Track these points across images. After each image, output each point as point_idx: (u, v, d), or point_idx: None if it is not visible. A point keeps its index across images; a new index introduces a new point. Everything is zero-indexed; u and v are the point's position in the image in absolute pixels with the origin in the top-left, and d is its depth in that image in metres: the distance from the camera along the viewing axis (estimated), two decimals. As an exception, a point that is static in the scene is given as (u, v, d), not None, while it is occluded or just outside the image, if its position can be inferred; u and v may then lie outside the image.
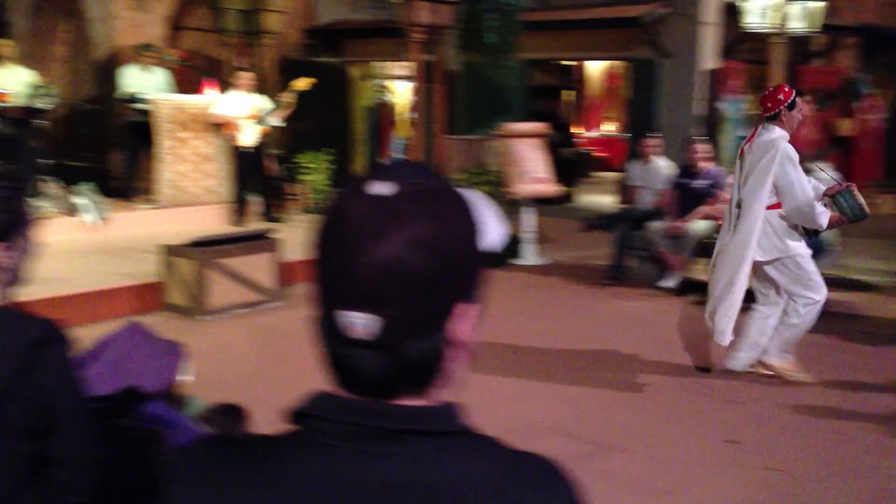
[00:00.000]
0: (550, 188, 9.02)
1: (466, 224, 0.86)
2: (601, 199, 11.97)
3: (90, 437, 1.68)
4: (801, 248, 4.93)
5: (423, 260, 0.80)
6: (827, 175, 8.61)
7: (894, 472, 3.93)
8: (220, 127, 8.96)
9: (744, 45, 11.49)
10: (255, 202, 9.23)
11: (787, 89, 4.96)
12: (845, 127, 12.07)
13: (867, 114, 12.30)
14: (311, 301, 0.88)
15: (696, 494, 3.77)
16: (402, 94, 14.98)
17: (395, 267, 0.80)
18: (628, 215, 7.91)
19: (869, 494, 3.77)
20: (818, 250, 6.70)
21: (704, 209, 7.43)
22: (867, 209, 4.93)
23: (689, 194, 7.55)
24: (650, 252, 7.74)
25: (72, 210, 8.12)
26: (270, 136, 9.32)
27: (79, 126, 10.25)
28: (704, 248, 7.28)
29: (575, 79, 16.57)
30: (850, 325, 6.34)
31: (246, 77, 9.02)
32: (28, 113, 8.19)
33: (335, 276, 0.82)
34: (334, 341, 0.84)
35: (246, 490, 0.84)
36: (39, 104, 8.21)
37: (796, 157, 4.81)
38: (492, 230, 0.90)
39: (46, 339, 1.59)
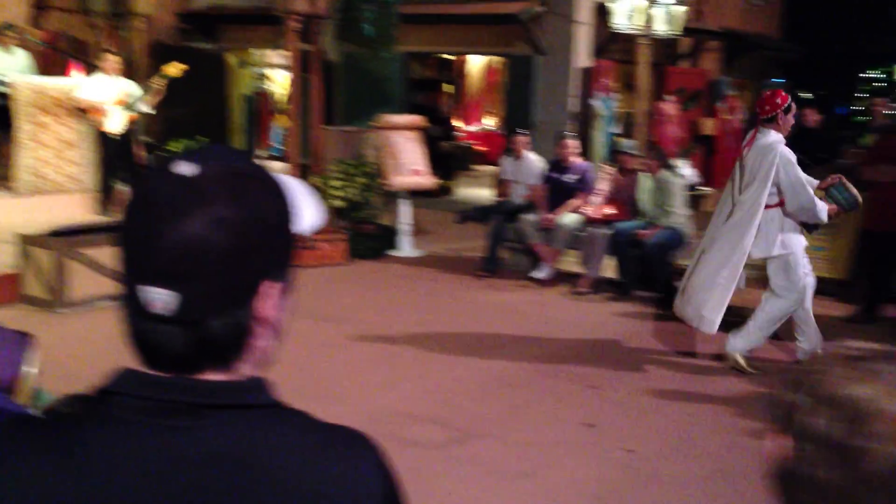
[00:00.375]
0: (427, 180, 9.10)
1: (272, 205, 0.88)
2: (480, 193, 12.15)
3: None
4: (799, 247, 5.15)
5: (224, 238, 0.82)
6: (685, 172, 9.04)
7: (736, 448, 4.19)
8: (85, 112, 8.59)
9: (615, 45, 11.89)
10: (121, 191, 8.90)
11: (783, 94, 5.16)
12: (708, 126, 12.68)
13: (728, 114, 12.96)
14: (117, 278, 0.88)
15: (554, 476, 3.91)
16: (281, 83, 14.75)
17: (194, 244, 0.81)
18: (502, 208, 8.09)
19: (713, 470, 4.01)
20: (677, 242, 7.06)
21: (574, 203, 7.68)
22: (860, 198, 5.17)
23: (559, 188, 7.78)
24: (523, 244, 7.94)
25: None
26: (139, 123, 9.01)
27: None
28: (575, 240, 7.55)
29: (455, 73, 16.73)
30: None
31: (113, 60, 8.67)
32: None
33: (137, 252, 0.83)
34: (136, 317, 0.85)
35: (43, 470, 0.82)
36: None
37: (794, 157, 5.04)
38: (307, 213, 0.93)
39: None
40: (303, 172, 8.89)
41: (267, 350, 0.92)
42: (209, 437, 0.83)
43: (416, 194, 9.10)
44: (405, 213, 8.83)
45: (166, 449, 0.82)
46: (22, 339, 2.71)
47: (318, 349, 5.54)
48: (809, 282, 5.23)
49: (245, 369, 0.89)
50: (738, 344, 5.31)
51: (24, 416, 1.04)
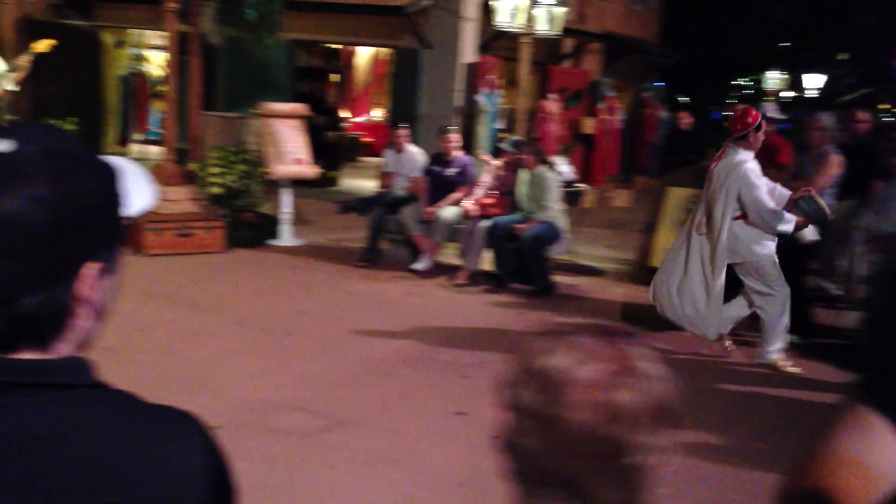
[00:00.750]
0: (309, 170, 9.02)
1: (95, 186, 0.88)
2: (366, 184, 12.14)
3: None
4: (764, 253, 5.40)
5: (41, 217, 0.82)
6: (562, 169, 9.29)
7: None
8: (-57, 87, 8.11)
9: (499, 42, 12.11)
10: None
11: (754, 113, 5.38)
12: (589, 125, 13.07)
13: (607, 114, 13.41)
14: None
15: (423, 462, 3.97)
16: (160, 65, 14.28)
17: (9, 222, 0.81)
18: (383, 200, 8.12)
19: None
20: (552, 236, 7.27)
21: (455, 196, 7.79)
22: (827, 210, 5.40)
23: (440, 181, 7.88)
24: (403, 236, 7.99)
25: None
26: (4, 100, 8.56)
27: None
28: (455, 232, 7.66)
29: (343, 63, 16.62)
30: (579, 305, 6.94)
31: (-24, 34, 8.21)
32: None
33: None
34: None
35: None
36: None
37: (759, 171, 5.31)
38: (138, 195, 0.94)
39: None
40: (180, 158, 8.66)
41: (89, 331, 0.92)
42: (17, 415, 0.83)
43: (299, 184, 9.02)
44: (286, 203, 8.73)
45: None
46: None
47: (189, 337, 5.44)
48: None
49: (64, 349, 0.89)
50: (770, 351, 5.58)
51: None
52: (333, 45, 15.66)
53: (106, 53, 12.31)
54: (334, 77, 16.15)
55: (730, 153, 5.44)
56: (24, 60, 8.26)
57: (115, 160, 0.94)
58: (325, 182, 11.01)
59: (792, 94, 26.53)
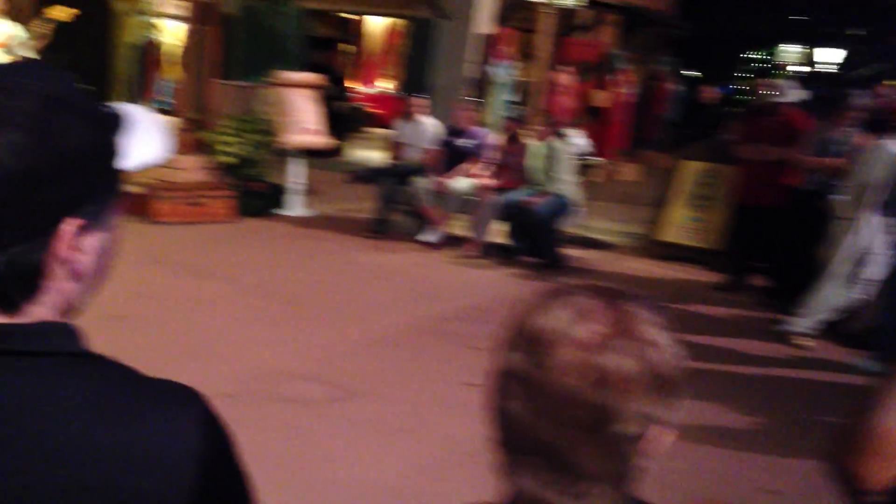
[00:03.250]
0: (321, 140, 9.00)
1: (84, 135, 0.80)
2: (371, 155, 12.10)
3: None
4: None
5: (13, 164, 0.74)
6: (578, 141, 9.24)
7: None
8: (-43, 52, 8.08)
9: (517, 14, 11.99)
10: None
11: None
12: (600, 98, 12.96)
13: (620, 87, 13.28)
14: None
15: (434, 432, 3.99)
16: (171, 33, 14.20)
17: None
18: (394, 170, 8.09)
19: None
20: (564, 209, 7.25)
21: (467, 167, 7.76)
22: None
23: (454, 153, 7.84)
24: (413, 207, 7.98)
25: None
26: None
27: None
28: (466, 204, 7.64)
29: (354, 33, 16.50)
30: (589, 278, 6.92)
31: (-8, 1, 8.17)
32: None
33: None
34: None
35: None
36: None
37: None
38: (143, 147, 0.87)
39: None
40: (194, 127, 8.65)
41: (72, 295, 0.83)
42: None
43: (308, 154, 9.00)
44: (297, 173, 8.72)
45: None
46: None
47: (198, 306, 5.45)
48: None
49: (41, 313, 0.80)
50: (800, 323, 5.58)
51: None
52: (346, 15, 15.54)
53: (118, 22, 12.25)
54: (345, 47, 16.04)
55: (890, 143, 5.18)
56: (43, 28, 8.21)
57: (124, 108, 0.87)
58: (332, 152, 10.97)
59: (807, 68, 26.26)
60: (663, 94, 14.78)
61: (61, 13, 8.31)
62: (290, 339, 5.04)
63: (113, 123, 0.85)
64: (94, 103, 0.84)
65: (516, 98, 12.28)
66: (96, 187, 0.82)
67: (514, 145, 7.66)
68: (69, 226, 0.79)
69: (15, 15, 8.64)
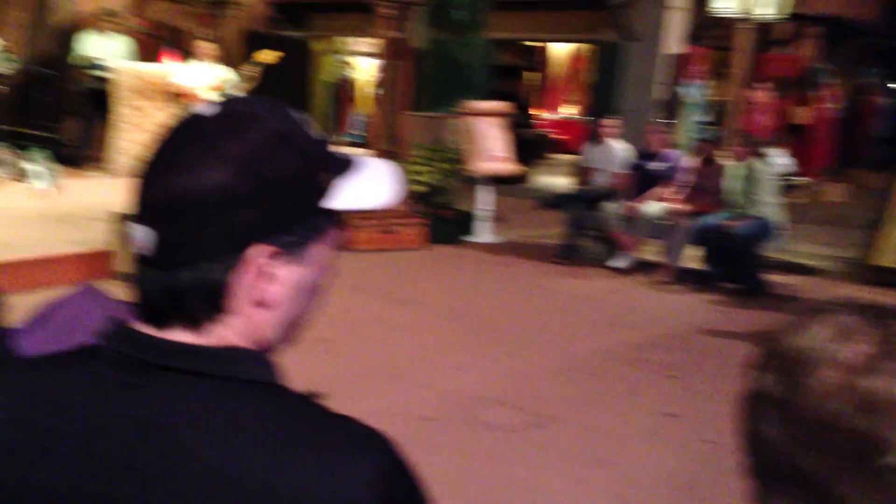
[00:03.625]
0: (508, 167, 9.06)
1: (285, 163, 0.79)
2: (557, 181, 12.05)
3: None
4: None
5: (215, 183, 0.75)
6: (780, 161, 8.77)
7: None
8: (180, 97, 8.86)
9: (709, 31, 11.60)
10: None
11: None
12: (801, 115, 12.24)
13: (824, 103, 12.49)
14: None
15: (631, 465, 3.85)
16: (363, 70, 14.91)
17: (181, 183, 0.76)
18: (582, 195, 7.99)
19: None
20: (766, 232, 6.86)
21: (659, 191, 7.53)
22: None
23: (646, 176, 7.64)
24: (602, 232, 7.83)
25: (22, 176, 7.99)
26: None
27: (34, 91, 10.06)
28: (657, 229, 7.40)
29: (537, 60, 16.60)
30: (794, 306, 6.49)
31: (207, 47, 8.91)
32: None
33: (137, 189, 0.80)
34: (135, 262, 0.81)
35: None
36: (1, 69, 8.09)
37: None
38: (362, 191, 0.84)
39: None
40: (386, 158, 8.98)
41: (260, 324, 0.80)
42: (149, 399, 0.76)
43: (496, 181, 9.08)
44: (485, 200, 8.81)
45: (110, 404, 0.77)
46: (124, 308, 2.81)
47: (395, 331, 5.59)
48: None
49: (227, 337, 0.79)
50: None
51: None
52: (530, 43, 15.68)
53: (314, 61, 13.02)
54: (529, 75, 16.17)
55: None
56: (251, 70, 8.85)
57: (352, 155, 0.86)
58: (517, 179, 11.03)
59: None
60: (871, 108, 13.77)
61: (268, 56, 8.92)
62: (484, 365, 5.06)
63: (325, 160, 0.83)
64: (315, 140, 0.83)
65: (709, 118, 11.84)
66: (294, 219, 0.80)
67: (708, 167, 7.37)
68: (258, 251, 0.78)
69: (227, 60, 9.38)
